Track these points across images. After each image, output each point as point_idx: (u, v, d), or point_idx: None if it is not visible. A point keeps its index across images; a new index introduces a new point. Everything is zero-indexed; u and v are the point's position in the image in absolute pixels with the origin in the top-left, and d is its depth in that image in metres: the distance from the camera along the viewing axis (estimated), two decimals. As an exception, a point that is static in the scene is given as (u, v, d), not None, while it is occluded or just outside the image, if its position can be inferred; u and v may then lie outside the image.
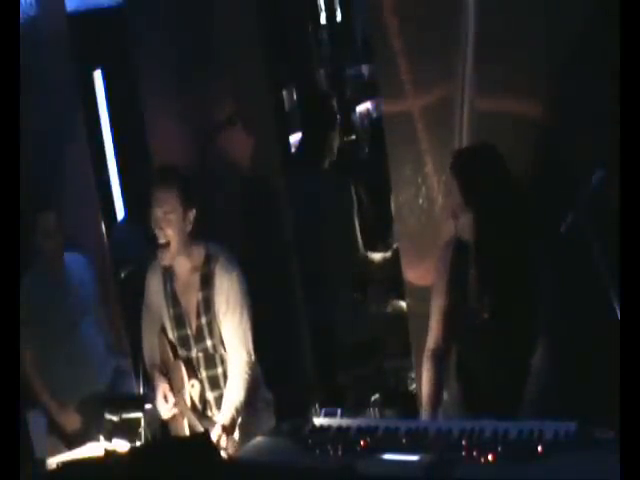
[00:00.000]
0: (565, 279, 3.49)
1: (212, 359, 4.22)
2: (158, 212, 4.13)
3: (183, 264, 4.22)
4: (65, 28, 5.32)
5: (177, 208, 4.12)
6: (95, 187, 5.45)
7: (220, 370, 4.22)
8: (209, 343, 4.20)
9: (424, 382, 3.61)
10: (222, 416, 4.06)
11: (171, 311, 4.27)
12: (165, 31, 5.00)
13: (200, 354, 4.23)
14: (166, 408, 4.22)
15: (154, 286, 4.34)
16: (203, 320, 4.20)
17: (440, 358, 3.62)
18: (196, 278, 4.21)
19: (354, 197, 5.13)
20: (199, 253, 4.22)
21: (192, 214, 4.16)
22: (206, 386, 4.24)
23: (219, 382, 4.22)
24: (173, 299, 4.27)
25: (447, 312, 3.60)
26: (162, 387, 4.24)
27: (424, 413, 3.56)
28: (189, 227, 4.16)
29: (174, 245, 4.14)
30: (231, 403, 4.07)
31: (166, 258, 4.18)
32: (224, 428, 3.97)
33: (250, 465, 3.02)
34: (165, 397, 4.22)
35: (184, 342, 4.26)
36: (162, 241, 4.14)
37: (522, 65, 3.66)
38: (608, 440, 2.68)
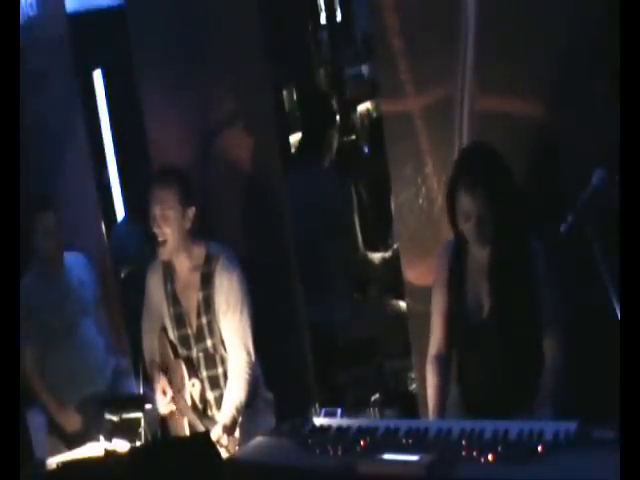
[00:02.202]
0: (565, 279, 3.48)
1: (212, 359, 4.22)
2: (156, 210, 4.13)
3: (183, 263, 4.23)
4: (65, 28, 5.33)
5: (175, 206, 4.13)
6: (95, 187, 5.45)
7: (220, 370, 4.22)
8: (209, 343, 4.20)
9: (429, 387, 3.60)
10: (223, 416, 4.06)
11: (171, 310, 4.28)
12: (165, 31, 5.00)
13: (200, 354, 4.23)
14: (164, 402, 4.23)
15: (154, 286, 4.35)
16: (203, 320, 4.20)
17: (443, 361, 3.61)
18: (196, 277, 4.21)
19: (354, 196, 5.13)
20: (200, 252, 4.22)
21: (191, 212, 4.17)
22: (206, 386, 4.24)
23: (219, 382, 4.22)
24: (173, 298, 4.27)
25: (448, 313, 3.60)
26: (161, 382, 4.25)
27: (430, 415, 3.55)
28: (188, 225, 4.16)
29: (172, 242, 4.14)
30: (232, 403, 4.07)
31: (164, 254, 4.18)
32: (225, 428, 3.98)
33: (250, 465, 3.02)
34: (164, 392, 4.23)
35: (184, 342, 4.26)
36: (161, 239, 4.14)
37: (522, 65, 3.66)
38: (608, 440, 2.68)
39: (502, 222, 3.44)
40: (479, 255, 3.53)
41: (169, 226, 4.13)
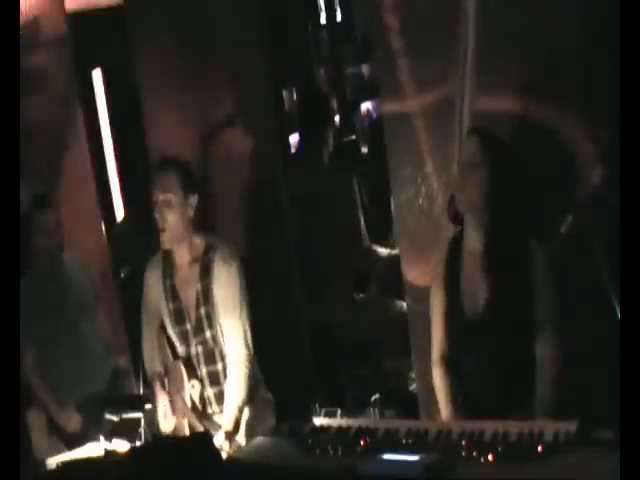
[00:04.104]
0: (565, 279, 3.48)
1: (212, 354, 4.22)
2: (159, 196, 4.12)
3: (184, 255, 4.22)
4: (65, 28, 5.33)
5: (177, 191, 4.12)
6: (95, 187, 5.45)
7: (220, 366, 4.22)
8: (208, 334, 4.19)
9: (439, 392, 3.60)
10: (225, 420, 4.05)
11: (170, 306, 4.27)
12: (165, 31, 5.00)
13: (199, 347, 4.22)
14: (167, 425, 4.22)
15: (153, 282, 4.34)
16: (202, 311, 4.19)
17: (448, 362, 3.61)
18: (195, 270, 4.20)
19: (357, 191, 5.13)
20: (199, 244, 4.22)
21: (194, 199, 4.15)
22: (206, 382, 4.23)
23: (219, 378, 4.22)
24: (172, 294, 4.27)
25: (447, 313, 3.59)
26: (163, 404, 4.23)
27: (444, 419, 3.54)
28: (191, 213, 4.15)
29: (174, 229, 4.12)
30: (233, 403, 4.07)
31: (166, 241, 4.16)
32: (228, 434, 3.97)
33: (250, 465, 3.02)
34: (165, 415, 4.21)
35: (183, 337, 4.25)
36: (162, 226, 4.12)
37: (522, 65, 3.66)
38: (608, 440, 2.68)
39: (499, 179, 3.44)
40: (474, 246, 3.52)
41: (171, 212, 4.11)
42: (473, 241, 3.53)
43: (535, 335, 3.42)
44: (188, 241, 4.20)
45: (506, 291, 3.45)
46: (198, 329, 4.22)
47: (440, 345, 3.62)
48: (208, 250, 4.20)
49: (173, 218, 4.12)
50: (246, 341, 4.15)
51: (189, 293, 4.23)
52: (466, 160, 3.50)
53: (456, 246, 3.60)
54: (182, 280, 4.25)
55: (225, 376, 4.19)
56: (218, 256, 4.17)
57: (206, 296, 4.19)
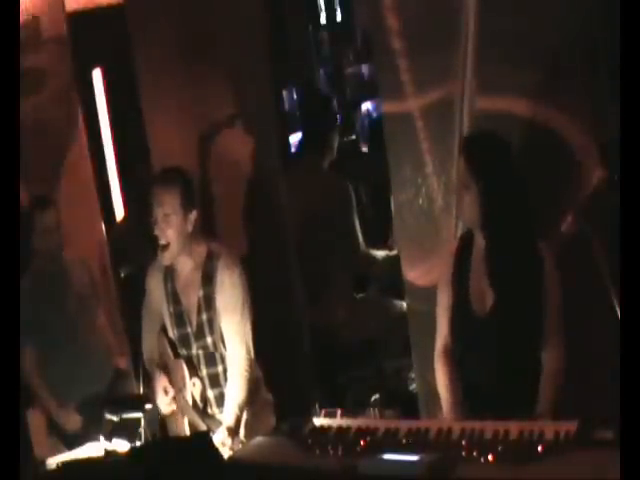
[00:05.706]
0: (565, 279, 3.48)
1: (212, 357, 4.22)
2: (159, 212, 4.13)
3: (185, 263, 4.22)
4: (65, 28, 5.33)
5: (177, 210, 4.12)
6: (95, 187, 5.45)
7: (220, 368, 4.22)
8: (209, 340, 4.20)
9: (440, 383, 3.59)
10: (226, 418, 4.06)
11: (172, 309, 4.27)
12: (165, 31, 5.00)
13: (200, 351, 4.23)
14: (166, 401, 4.22)
15: (155, 285, 4.34)
16: (204, 317, 4.19)
17: (451, 358, 3.60)
18: (197, 276, 4.21)
19: (353, 197, 5.14)
20: (200, 251, 4.22)
21: (193, 216, 4.16)
22: (206, 384, 4.24)
23: (219, 380, 4.22)
24: (174, 297, 4.27)
25: (453, 309, 3.59)
26: (161, 381, 4.24)
27: (445, 414, 3.54)
28: (190, 228, 4.16)
29: (174, 245, 4.15)
30: (233, 402, 4.07)
31: (167, 258, 4.18)
32: (229, 430, 3.98)
33: (250, 465, 3.02)
34: (165, 390, 4.22)
35: (184, 341, 4.26)
36: (162, 242, 4.14)
37: (522, 64, 3.65)
38: (608, 440, 2.68)
39: (492, 197, 3.43)
40: (482, 245, 3.52)
41: (171, 229, 4.12)
42: (481, 241, 3.53)
43: (541, 336, 3.42)
44: (188, 251, 4.20)
45: (514, 291, 3.45)
46: (199, 334, 4.22)
47: (444, 341, 3.61)
48: (210, 257, 4.20)
49: (173, 235, 4.13)
50: (247, 346, 4.14)
51: (191, 298, 4.23)
52: (459, 180, 3.52)
53: (467, 241, 3.59)
54: (184, 284, 4.26)
55: (225, 379, 4.19)
56: (221, 263, 4.17)
57: (208, 302, 4.19)
